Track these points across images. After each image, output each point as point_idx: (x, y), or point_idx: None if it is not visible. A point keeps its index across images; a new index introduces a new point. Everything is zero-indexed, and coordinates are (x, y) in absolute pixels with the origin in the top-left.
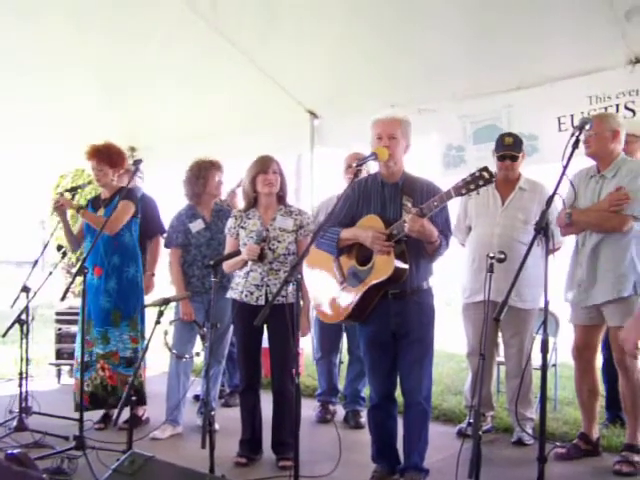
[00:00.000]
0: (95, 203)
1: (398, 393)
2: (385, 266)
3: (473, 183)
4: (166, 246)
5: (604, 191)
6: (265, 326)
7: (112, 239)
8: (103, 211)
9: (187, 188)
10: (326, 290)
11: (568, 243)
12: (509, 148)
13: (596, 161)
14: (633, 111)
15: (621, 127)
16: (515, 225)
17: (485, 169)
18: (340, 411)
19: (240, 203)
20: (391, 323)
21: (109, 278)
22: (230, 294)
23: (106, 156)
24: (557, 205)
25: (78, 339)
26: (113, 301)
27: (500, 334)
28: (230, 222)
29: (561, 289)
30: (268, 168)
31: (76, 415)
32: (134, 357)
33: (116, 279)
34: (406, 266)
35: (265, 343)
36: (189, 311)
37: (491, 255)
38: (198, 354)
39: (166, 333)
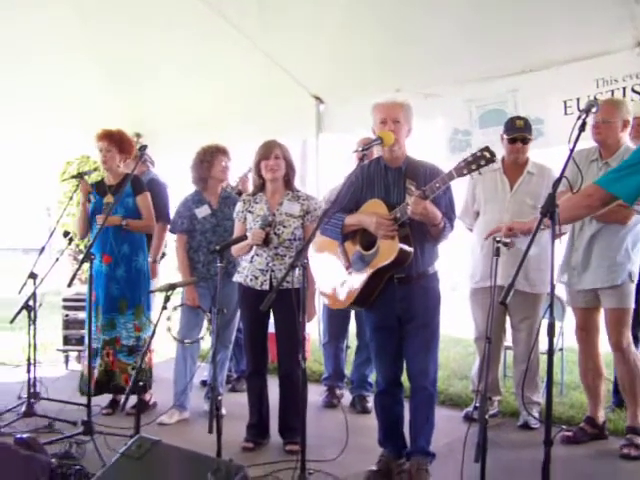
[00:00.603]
0: (100, 188)
1: (404, 377)
2: (389, 250)
3: (474, 163)
4: (171, 231)
5: None
6: (271, 311)
7: (122, 228)
8: (112, 198)
9: (193, 173)
10: (332, 276)
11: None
12: (521, 130)
13: (602, 148)
14: None
15: (630, 115)
16: (524, 210)
17: (486, 149)
18: (347, 396)
19: (252, 188)
20: (396, 308)
21: (118, 266)
22: (236, 277)
23: (117, 140)
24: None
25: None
26: (121, 289)
27: (508, 318)
28: (238, 206)
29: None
30: (270, 154)
31: (84, 400)
32: (136, 346)
33: (125, 267)
34: (410, 249)
35: (271, 328)
36: (193, 296)
37: (497, 239)
38: (202, 338)
39: (169, 319)
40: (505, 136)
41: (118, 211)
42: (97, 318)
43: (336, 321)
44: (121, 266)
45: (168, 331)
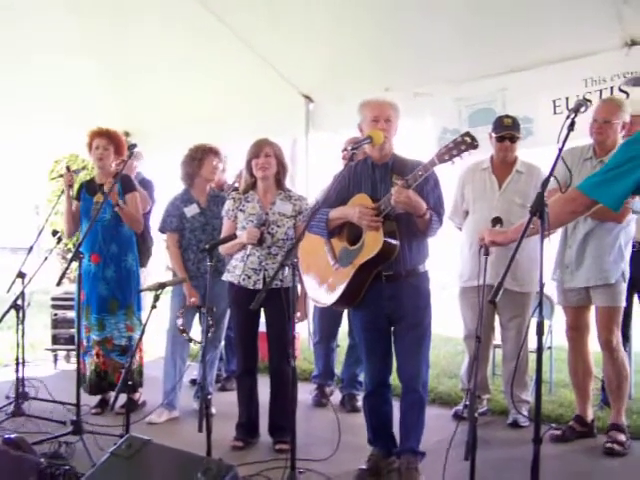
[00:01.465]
0: (90, 187)
1: (394, 376)
2: (374, 242)
3: (455, 148)
4: (161, 231)
5: None
6: (262, 310)
7: (111, 227)
8: (102, 197)
9: (182, 169)
10: (319, 274)
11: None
12: (509, 128)
13: (599, 146)
14: (627, 93)
15: (628, 116)
16: (512, 209)
17: (467, 134)
18: (336, 395)
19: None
20: (385, 307)
21: (107, 266)
22: (227, 277)
23: (115, 139)
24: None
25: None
26: (111, 289)
27: (497, 317)
28: (228, 204)
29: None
30: (260, 152)
31: (73, 400)
32: (128, 345)
33: (114, 267)
34: (396, 243)
35: (262, 327)
36: (195, 295)
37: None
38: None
39: (182, 322)
40: (493, 134)
41: (107, 210)
42: (86, 317)
43: (327, 320)
44: (110, 266)
45: (182, 333)
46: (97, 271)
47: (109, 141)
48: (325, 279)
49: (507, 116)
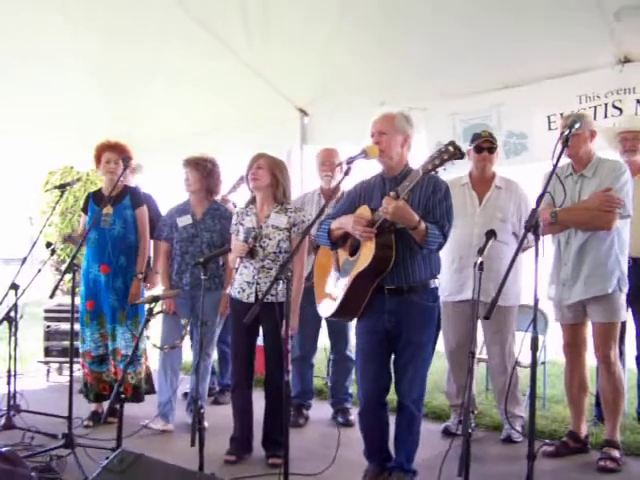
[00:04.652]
0: (97, 198)
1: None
2: (368, 253)
3: (438, 158)
4: (155, 238)
5: (585, 190)
6: (260, 324)
7: (121, 239)
8: (111, 209)
9: None
10: (326, 285)
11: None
12: (486, 137)
13: (574, 161)
14: (620, 109)
15: (594, 126)
16: (494, 224)
17: (451, 143)
18: (328, 409)
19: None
20: (385, 320)
21: (116, 277)
22: (228, 290)
23: (125, 152)
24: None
25: (87, 334)
26: (120, 300)
27: (482, 332)
28: (233, 219)
29: (545, 287)
30: (253, 164)
31: (65, 413)
32: (134, 355)
33: (122, 278)
34: (389, 255)
35: (259, 341)
36: (170, 303)
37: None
38: (177, 345)
39: (147, 327)
40: (471, 146)
41: (117, 222)
42: (103, 326)
43: (308, 335)
44: (119, 277)
45: (147, 338)
46: (107, 281)
47: (120, 154)
48: (329, 290)
49: (484, 130)
